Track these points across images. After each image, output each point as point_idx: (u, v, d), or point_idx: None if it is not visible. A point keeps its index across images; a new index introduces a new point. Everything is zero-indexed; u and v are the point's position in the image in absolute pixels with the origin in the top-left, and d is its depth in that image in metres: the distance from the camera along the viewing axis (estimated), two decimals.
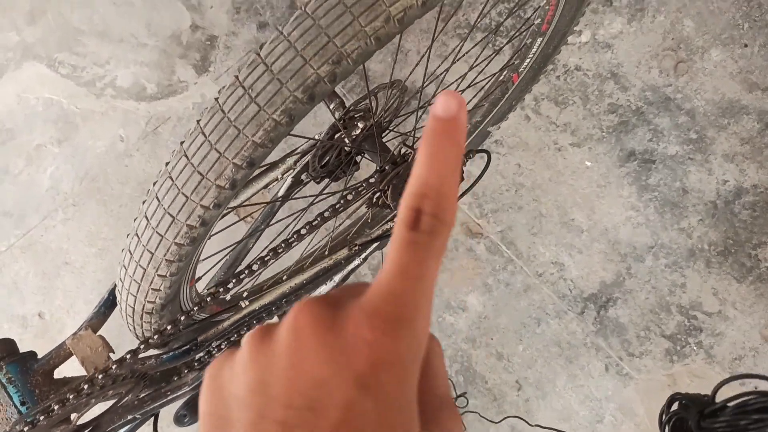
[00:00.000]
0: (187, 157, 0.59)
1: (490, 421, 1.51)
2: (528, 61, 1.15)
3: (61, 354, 0.78)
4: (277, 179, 0.96)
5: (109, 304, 0.82)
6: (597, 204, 1.64)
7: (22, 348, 1.20)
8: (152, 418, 1.25)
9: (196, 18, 1.82)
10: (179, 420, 1.46)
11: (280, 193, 1.06)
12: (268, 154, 0.59)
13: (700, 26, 1.74)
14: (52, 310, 1.68)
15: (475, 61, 1.07)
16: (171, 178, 0.60)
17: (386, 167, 0.80)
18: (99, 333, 0.80)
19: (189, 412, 1.48)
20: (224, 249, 0.84)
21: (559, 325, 1.56)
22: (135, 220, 0.65)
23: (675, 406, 0.79)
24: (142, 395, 0.76)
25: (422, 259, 0.25)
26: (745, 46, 1.73)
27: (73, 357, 0.81)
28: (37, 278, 1.68)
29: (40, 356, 0.79)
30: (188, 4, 1.80)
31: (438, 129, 0.27)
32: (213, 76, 1.79)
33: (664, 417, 0.79)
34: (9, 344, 0.78)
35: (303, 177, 1.04)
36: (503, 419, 1.50)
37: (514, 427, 1.51)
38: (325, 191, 0.95)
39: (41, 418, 0.64)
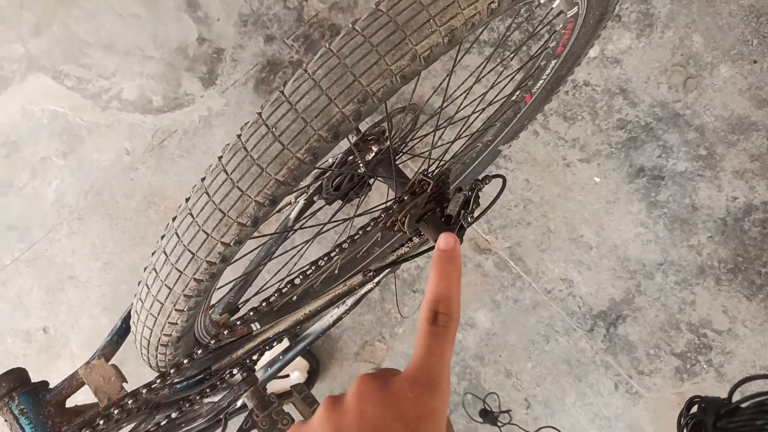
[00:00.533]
0: (208, 194, 0.58)
1: (525, 430, 1.51)
2: (541, 82, 1.14)
3: (73, 384, 0.77)
4: (290, 203, 0.95)
5: (121, 332, 0.81)
6: (606, 220, 1.64)
7: (27, 363, 1.18)
8: None
9: (203, 31, 1.81)
10: None
11: (293, 215, 1.05)
12: (290, 191, 0.58)
13: (709, 42, 1.73)
14: (57, 325, 1.66)
15: (482, 76, 1.06)
16: (191, 214, 0.59)
17: (405, 197, 0.79)
18: (111, 362, 0.79)
19: None
20: (237, 278, 0.83)
21: (568, 343, 1.55)
22: (153, 254, 0.64)
23: (694, 409, 0.79)
24: (155, 428, 0.75)
25: (441, 343, 0.38)
26: (755, 62, 1.72)
27: (86, 386, 0.80)
28: (41, 292, 1.67)
29: (51, 386, 0.78)
30: (195, 16, 1.79)
31: (443, 257, 0.42)
32: (220, 89, 1.78)
33: (682, 420, 0.79)
34: (21, 373, 0.76)
35: (315, 199, 1.03)
36: (538, 430, 1.50)
37: None
38: (335, 217, 0.94)
39: None
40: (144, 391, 0.66)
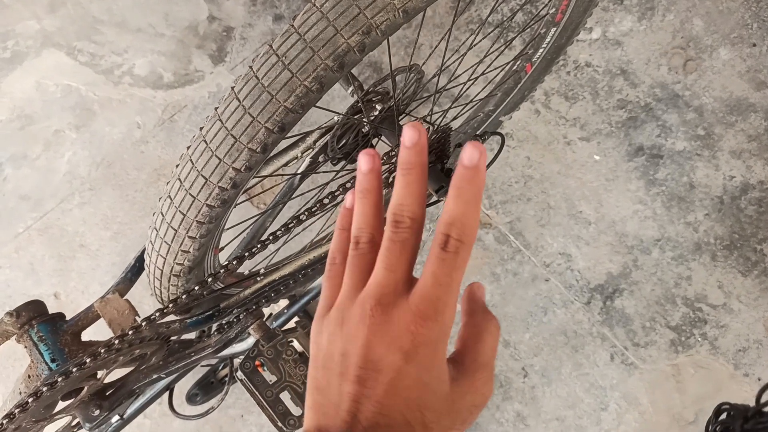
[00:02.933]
0: (221, 120, 0.62)
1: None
2: (541, 51, 1.18)
3: (89, 316, 0.81)
4: (296, 157, 0.99)
5: (135, 270, 0.85)
6: (605, 197, 1.67)
7: None
8: (167, 392, 1.29)
9: (213, 9, 1.85)
10: (191, 399, 1.50)
11: (299, 172, 1.09)
12: (298, 119, 0.62)
13: (709, 25, 1.77)
14: (68, 291, 1.71)
15: (488, 52, 1.10)
16: (205, 141, 0.63)
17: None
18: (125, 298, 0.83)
19: (201, 391, 1.51)
20: (246, 220, 0.87)
21: (565, 315, 1.59)
22: (167, 183, 0.68)
23: (723, 417, 0.81)
24: (167, 357, 0.79)
25: (449, 271, 0.37)
26: (754, 45, 1.76)
27: (100, 320, 0.85)
28: (53, 260, 1.72)
29: (68, 318, 0.82)
30: None
31: (464, 175, 0.37)
32: (229, 66, 1.82)
33: (710, 427, 0.81)
34: (39, 305, 0.81)
35: (320, 158, 1.07)
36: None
37: (520, 413, 1.54)
38: (339, 176, 0.98)
39: (74, 369, 0.67)
40: (156, 315, 0.70)
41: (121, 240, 1.72)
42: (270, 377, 0.78)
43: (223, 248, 0.87)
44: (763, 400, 0.72)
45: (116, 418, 1.26)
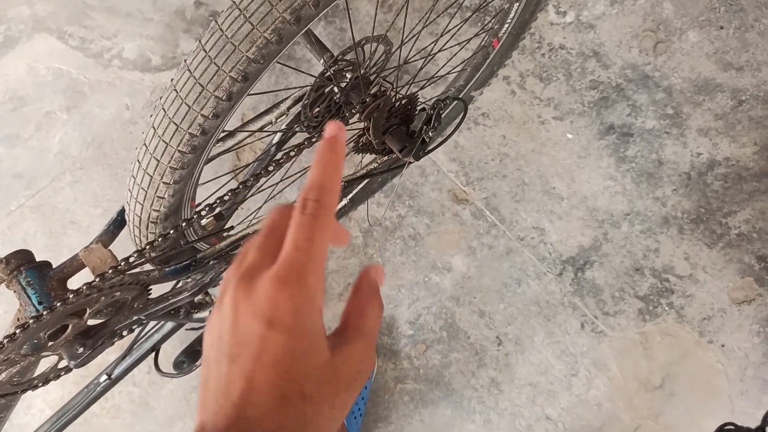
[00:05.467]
0: (189, 71, 0.68)
1: None
2: (506, 26, 1.24)
3: (74, 264, 0.87)
4: (271, 123, 1.05)
5: (117, 224, 0.91)
6: (577, 174, 1.74)
7: None
8: (153, 354, 1.35)
9: None
10: (178, 366, 1.55)
11: (275, 141, 1.15)
12: (261, 70, 0.68)
13: (679, 9, 1.83)
14: None
15: (449, 27, 1.16)
16: (176, 90, 0.69)
17: (367, 99, 0.89)
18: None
19: (188, 359, 1.57)
20: (221, 175, 0.93)
21: (538, 286, 1.65)
22: (143, 133, 0.74)
23: None
24: (147, 301, 0.85)
25: (308, 235, 0.37)
26: (721, 28, 1.82)
27: (84, 270, 0.91)
28: (44, 237, 1.77)
29: (54, 266, 0.88)
30: None
31: (324, 145, 0.40)
32: None
33: None
34: (27, 254, 0.87)
35: (296, 128, 1.13)
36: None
37: (494, 379, 1.60)
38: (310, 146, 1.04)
39: (58, 304, 0.73)
40: (135, 255, 0.77)
41: (110, 217, 1.78)
42: None
43: (199, 204, 0.93)
44: None
45: (104, 377, 1.33)
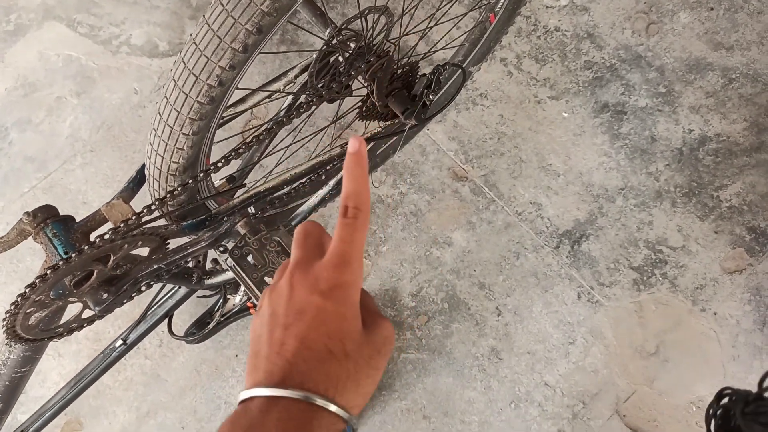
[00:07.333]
0: (208, 24, 0.74)
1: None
2: (502, 1, 1.30)
3: (96, 218, 0.92)
4: (279, 90, 1.10)
5: (137, 181, 0.96)
6: (573, 151, 1.79)
7: None
8: (167, 319, 1.40)
9: None
10: (190, 336, 1.61)
11: (282, 112, 1.21)
12: (274, 23, 0.74)
13: None
14: None
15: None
16: (195, 43, 0.75)
17: (371, 59, 0.95)
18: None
19: (198, 330, 1.63)
20: (232, 136, 0.99)
21: (536, 258, 1.71)
22: (164, 86, 0.80)
23: (725, 401, 0.83)
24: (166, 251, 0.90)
25: (351, 231, 0.46)
26: (711, 9, 1.88)
27: (105, 225, 0.96)
28: None
29: (78, 220, 0.93)
30: None
31: (351, 160, 0.47)
32: None
33: (711, 411, 0.85)
34: (51, 209, 0.92)
35: (302, 99, 1.18)
36: None
37: (494, 348, 1.66)
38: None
39: (85, 248, 0.78)
40: (156, 203, 0.82)
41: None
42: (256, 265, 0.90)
43: (214, 164, 0.98)
44: (765, 385, 0.74)
45: (120, 342, 1.38)
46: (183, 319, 1.66)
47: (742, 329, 1.64)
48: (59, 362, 1.70)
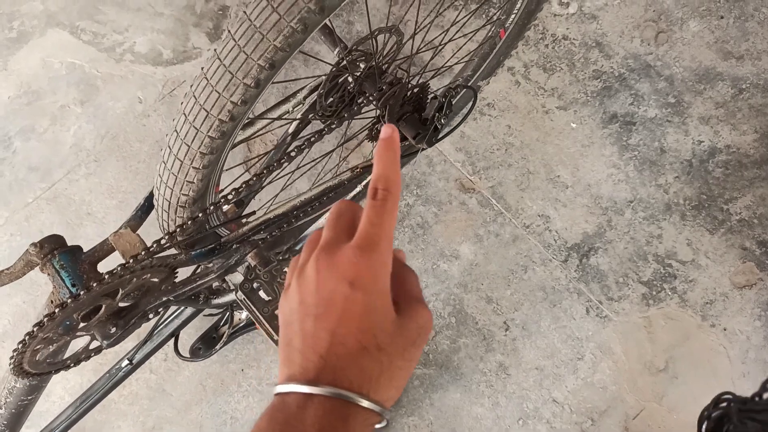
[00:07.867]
0: (219, 59, 0.72)
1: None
2: (513, 16, 1.28)
3: (104, 248, 0.91)
4: (288, 111, 1.08)
5: (145, 209, 0.95)
6: (581, 162, 1.77)
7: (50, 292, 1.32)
8: (173, 339, 1.39)
9: None
10: (195, 352, 1.60)
11: (290, 130, 1.19)
12: (286, 58, 0.72)
13: None
14: None
15: (458, 19, 1.19)
16: (206, 78, 0.73)
17: (383, 87, 0.93)
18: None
19: (203, 346, 1.62)
20: (239, 163, 0.97)
21: (544, 272, 1.69)
22: (173, 120, 0.78)
23: (723, 405, 0.83)
24: (175, 282, 0.89)
25: (380, 213, 0.45)
26: (722, 17, 1.86)
27: (113, 255, 0.95)
28: (61, 227, 1.81)
29: (85, 250, 0.92)
30: None
31: (382, 145, 0.47)
32: None
33: (705, 412, 0.85)
34: (59, 238, 0.91)
35: (310, 117, 1.17)
36: None
37: (502, 364, 1.64)
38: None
39: (95, 284, 0.77)
40: (166, 238, 0.80)
41: (125, 208, 1.82)
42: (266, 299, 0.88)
43: (223, 190, 0.96)
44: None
45: (125, 363, 1.37)
46: (188, 332, 1.65)
47: (752, 345, 1.63)
48: (63, 377, 1.69)
